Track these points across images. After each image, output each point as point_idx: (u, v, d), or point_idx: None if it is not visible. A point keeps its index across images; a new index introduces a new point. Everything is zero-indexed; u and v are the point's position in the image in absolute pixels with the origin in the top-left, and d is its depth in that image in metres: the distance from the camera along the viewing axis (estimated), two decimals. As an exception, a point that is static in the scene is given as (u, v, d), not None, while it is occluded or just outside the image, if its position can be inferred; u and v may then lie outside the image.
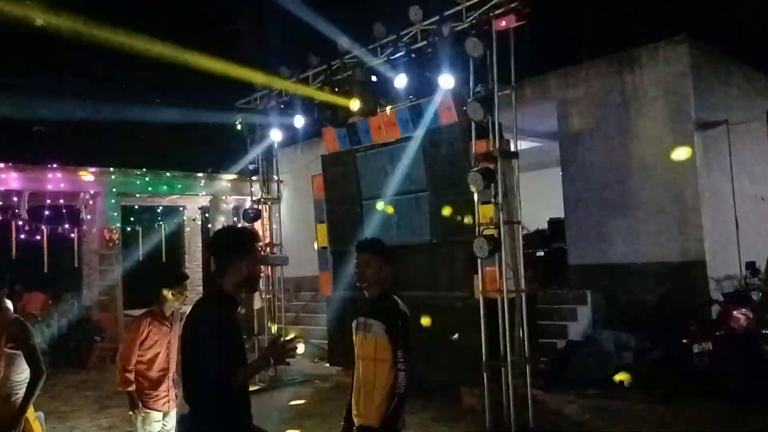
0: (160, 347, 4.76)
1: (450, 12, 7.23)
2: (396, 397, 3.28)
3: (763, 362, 7.25)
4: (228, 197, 15.75)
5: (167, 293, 4.78)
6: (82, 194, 13.71)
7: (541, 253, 12.15)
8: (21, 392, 4.09)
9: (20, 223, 12.63)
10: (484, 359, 6.76)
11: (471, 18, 6.98)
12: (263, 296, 10.35)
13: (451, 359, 7.59)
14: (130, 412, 4.75)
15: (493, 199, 6.76)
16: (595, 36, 11.61)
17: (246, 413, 2.97)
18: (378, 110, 8.75)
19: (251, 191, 11.21)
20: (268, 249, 10.37)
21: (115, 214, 13.88)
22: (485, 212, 6.95)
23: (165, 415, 4.78)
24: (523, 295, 6.75)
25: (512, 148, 7.00)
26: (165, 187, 14.80)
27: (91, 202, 13.79)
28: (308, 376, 10.06)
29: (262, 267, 3.22)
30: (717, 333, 7.74)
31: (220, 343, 2.80)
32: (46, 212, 13.24)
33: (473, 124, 7.03)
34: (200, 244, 17.04)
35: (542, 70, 10.85)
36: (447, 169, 8.06)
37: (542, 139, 12.74)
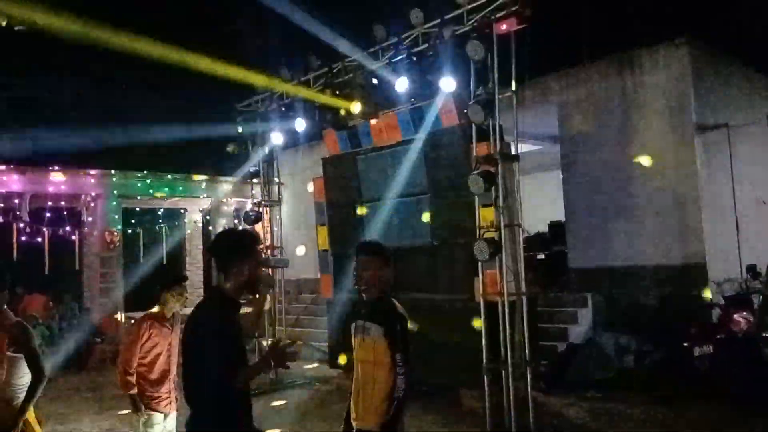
0: (161, 349, 4.76)
1: (451, 15, 7.24)
2: (395, 401, 3.28)
3: (763, 365, 7.24)
4: (229, 200, 15.77)
5: (167, 295, 4.79)
6: (83, 196, 13.73)
7: (541, 256, 12.14)
8: (23, 396, 4.09)
9: (21, 225, 12.64)
10: (484, 361, 6.76)
11: (472, 21, 6.99)
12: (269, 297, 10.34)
13: (451, 361, 7.59)
14: (135, 415, 4.74)
15: (493, 202, 6.76)
16: (596, 38, 11.60)
17: (247, 414, 2.97)
18: (379, 113, 8.75)
19: (252, 194, 11.24)
20: (268, 251, 10.38)
21: (116, 216, 13.91)
22: (486, 215, 6.95)
23: (165, 416, 4.78)
24: (524, 297, 6.75)
25: (513, 151, 7.00)
26: (166, 189, 14.82)
27: (92, 205, 13.82)
28: (309, 378, 10.05)
29: (263, 269, 3.20)
30: (718, 336, 7.73)
31: (220, 344, 2.81)
32: (48, 214, 13.26)
33: (474, 127, 7.04)
34: (201, 247, 17.06)
35: (543, 72, 10.85)
36: (448, 171, 8.07)
37: (543, 142, 12.74)
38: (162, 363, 4.77)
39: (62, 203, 13.50)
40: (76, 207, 13.93)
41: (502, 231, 6.68)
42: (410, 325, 3.49)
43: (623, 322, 9.27)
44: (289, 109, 9.98)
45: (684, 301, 8.89)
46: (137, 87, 17.61)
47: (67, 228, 13.55)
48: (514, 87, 6.77)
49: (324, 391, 9.31)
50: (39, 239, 13.01)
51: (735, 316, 7.66)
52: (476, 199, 6.94)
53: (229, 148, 10.61)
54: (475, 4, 6.99)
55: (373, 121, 8.95)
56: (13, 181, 12.43)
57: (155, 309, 4.84)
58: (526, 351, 6.64)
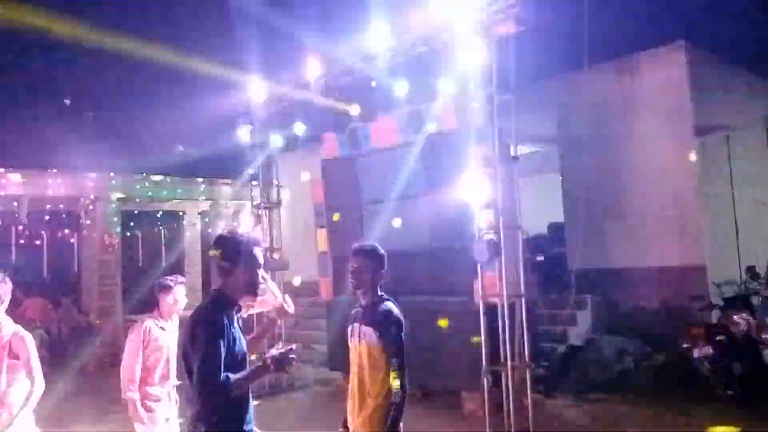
0: (161, 353, 4.74)
1: (450, 17, 7.24)
2: (391, 407, 3.24)
3: (763, 367, 7.25)
4: (228, 202, 15.76)
5: (164, 298, 4.78)
6: (82, 199, 13.71)
7: (541, 258, 12.14)
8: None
9: (20, 228, 12.64)
10: (484, 364, 6.75)
11: (472, 24, 7.00)
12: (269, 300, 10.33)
13: (451, 364, 7.58)
14: (135, 423, 4.71)
15: (492, 204, 6.76)
16: (595, 41, 11.62)
17: (245, 415, 2.95)
18: (378, 115, 8.76)
19: (251, 196, 11.22)
20: (268, 254, 10.37)
21: (115, 219, 13.89)
22: (485, 217, 6.95)
23: (167, 419, 4.77)
24: (523, 299, 6.75)
25: (512, 153, 7.01)
26: (165, 192, 14.81)
27: (91, 208, 13.80)
28: (308, 381, 10.04)
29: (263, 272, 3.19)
30: (717, 337, 7.73)
31: (217, 347, 2.78)
32: (46, 217, 13.25)
33: (473, 129, 7.04)
34: (200, 250, 17.04)
35: (542, 75, 10.87)
36: (447, 173, 8.07)
37: (542, 144, 12.75)
38: (161, 366, 4.75)
39: (61, 206, 13.49)
40: (74, 210, 13.92)
41: (502, 233, 6.67)
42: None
43: (623, 324, 9.28)
44: (289, 112, 9.98)
45: (683, 303, 8.89)
46: (137, 89, 17.64)
47: (66, 231, 13.56)
48: (513, 89, 6.78)
49: (324, 394, 9.30)
50: (38, 242, 13.01)
51: (734, 317, 7.66)
52: (475, 201, 6.95)
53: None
54: (474, 7, 7.00)
55: (372, 124, 8.95)
56: (12, 184, 12.42)
57: (153, 312, 4.83)
58: (526, 353, 6.64)
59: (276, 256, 10.46)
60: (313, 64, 9.22)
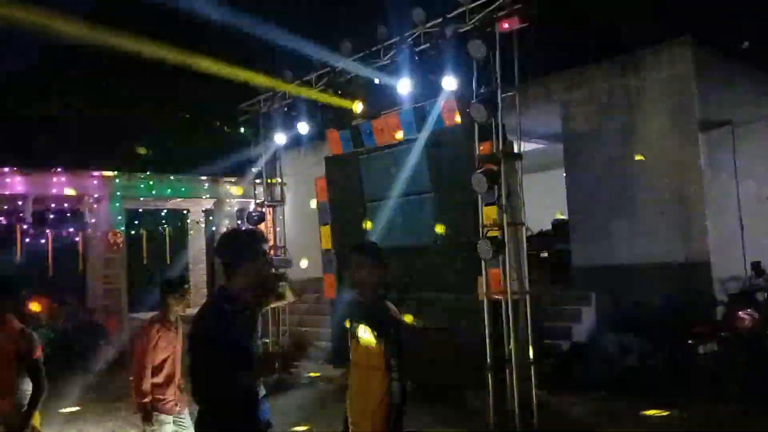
0: (167, 353, 4.75)
1: (453, 14, 7.23)
2: (390, 408, 3.20)
3: (769, 363, 7.22)
4: (232, 200, 15.78)
5: (169, 298, 4.78)
6: (86, 198, 13.74)
7: (545, 255, 12.13)
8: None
9: (25, 227, 12.68)
10: (488, 361, 6.75)
11: (474, 20, 6.98)
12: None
13: (455, 361, 7.58)
14: (144, 426, 4.72)
15: (497, 201, 6.75)
16: (599, 37, 11.59)
17: (252, 411, 2.94)
18: (381, 112, 8.75)
19: (255, 194, 11.24)
20: (272, 252, 10.39)
21: (120, 217, 13.93)
22: (489, 214, 6.95)
23: (175, 420, 4.78)
24: (528, 296, 6.74)
25: (516, 150, 7.00)
26: (169, 190, 14.84)
27: (95, 206, 13.83)
28: (312, 377, 10.05)
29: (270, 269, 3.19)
30: (722, 334, 7.71)
31: (222, 345, 2.79)
32: (51, 216, 13.29)
33: (477, 126, 7.03)
34: (204, 248, 17.07)
35: (546, 71, 10.84)
36: (450, 170, 8.06)
37: (546, 141, 12.72)
38: (168, 366, 4.76)
39: (65, 205, 13.53)
40: (79, 209, 13.96)
41: (506, 230, 6.67)
42: (414, 321, 3.44)
43: (627, 321, 9.24)
44: (292, 109, 9.99)
45: (688, 299, 8.86)
46: (140, 88, 17.65)
47: (71, 230, 13.59)
48: (517, 85, 6.77)
49: (327, 391, 9.30)
50: (42, 241, 13.05)
51: (740, 313, 7.64)
52: (479, 197, 6.94)
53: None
54: (477, 3, 6.98)
55: (375, 121, 8.94)
56: (17, 183, 12.46)
57: (159, 313, 4.84)
58: (530, 350, 6.63)
59: (280, 253, 10.48)
60: (317, 61, 9.23)
